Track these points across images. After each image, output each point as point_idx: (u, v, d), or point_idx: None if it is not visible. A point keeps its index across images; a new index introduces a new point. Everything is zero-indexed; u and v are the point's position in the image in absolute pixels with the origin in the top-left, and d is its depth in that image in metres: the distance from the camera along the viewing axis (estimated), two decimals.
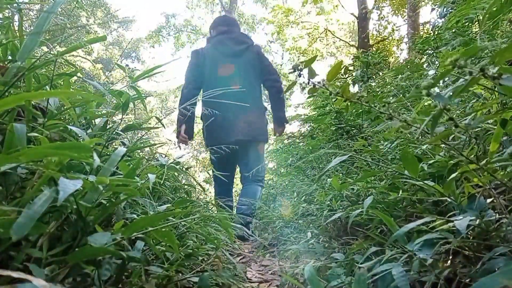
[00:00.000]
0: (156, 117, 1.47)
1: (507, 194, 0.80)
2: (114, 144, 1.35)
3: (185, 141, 2.56)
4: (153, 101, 18.78)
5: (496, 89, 0.70)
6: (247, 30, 16.88)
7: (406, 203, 1.04)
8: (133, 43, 18.24)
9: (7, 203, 0.58)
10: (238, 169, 2.81)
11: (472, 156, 0.69)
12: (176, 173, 1.52)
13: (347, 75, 4.25)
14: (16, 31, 0.99)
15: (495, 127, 0.67)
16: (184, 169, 1.39)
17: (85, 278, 0.64)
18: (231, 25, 2.70)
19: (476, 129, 0.84)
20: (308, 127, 3.80)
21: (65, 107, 0.98)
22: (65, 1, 0.92)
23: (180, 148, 2.64)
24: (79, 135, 0.89)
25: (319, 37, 13.29)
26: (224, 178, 2.20)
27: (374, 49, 8.43)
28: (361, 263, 0.80)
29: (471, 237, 0.72)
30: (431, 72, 2.29)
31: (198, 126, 3.75)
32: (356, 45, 10.23)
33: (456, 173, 0.73)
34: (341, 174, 1.79)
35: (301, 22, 13.48)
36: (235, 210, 2.46)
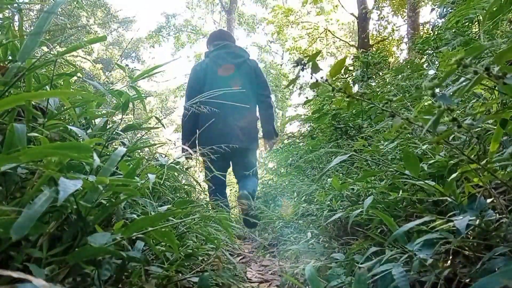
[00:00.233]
0: (156, 117, 1.48)
1: (507, 194, 0.80)
2: (114, 144, 1.35)
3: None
4: (153, 101, 18.80)
5: (496, 88, 0.70)
6: (247, 30, 16.89)
7: (406, 203, 1.04)
8: (133, 43, 18.24)
9: (7, 203, 0.58)
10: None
11: (473, 156, 0.69)
12: (176, 173, 1.52)
13: (347, 75, 4.25)
14: (16, 31, 0.99)
15: (495, 127, 0.67)
16: (184, 169, 1.39)
17: (85, 278, 0.64)
18: (228, 39, 2.85)
19: (477, 129, 0.83)
20: (308, 127, 3.80)
21: (65, 107, 0.98)
22: (65, 1, 0.92)
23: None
24: (79, 135, 0.89)
25: (319, 37, 13.29)
26: (221, 177, 2.25)
27: (374, 49, 8.43)
28: (361, 263, 0.80)
29: (471, 237, 0.71)
30: (431, 72, 2.29)
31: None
32: (356, 45, 10.23)
33: (457, 173, 0.73)
34: (341, 174, 1.79)
35: (301, 22, 13.49)
36: (239, 189, 2.58)
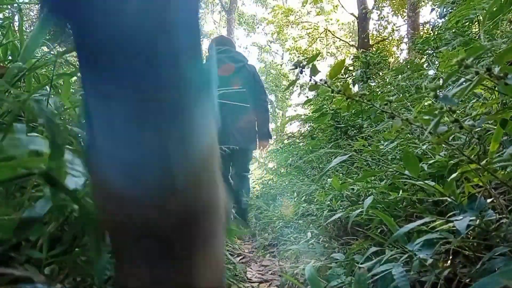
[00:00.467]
0: None
1: (507, 194, 0.80)
2: None
3: None
4: None
5: (496, 89, 0.70)
6: (247, 30, 16.90)
7: (406, 203, 1.04)
8: None
9: (7, 203, 0.58)
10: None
11: (473, 156, 0.69)
12: None
13: (347, 75, 4.25)
14: (16, 31, 0.99)
15: (495, 127, 0.67)
16: None
17: (85, 278, 0.64)
18: (228, 45, 3.01)
19: (477, 129, 0.84)
20: (308, 127, 3.80)
21: (65, 107, 0.97)
22: None
23: None
24: (79, 135, 0.89)
25: (319, 37, 13.30)
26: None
27: (374, 49, 8.43)
28: (361, 263, 0.80)
29: (471, 237, 0.72)
30: (431, 72, 2.29)
31: None
32: (356, 45, 10.23)
33: (457, 173, 0.73)
34: (341, 174, 1.79)
35: (301, 22, 13.50)
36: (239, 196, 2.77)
